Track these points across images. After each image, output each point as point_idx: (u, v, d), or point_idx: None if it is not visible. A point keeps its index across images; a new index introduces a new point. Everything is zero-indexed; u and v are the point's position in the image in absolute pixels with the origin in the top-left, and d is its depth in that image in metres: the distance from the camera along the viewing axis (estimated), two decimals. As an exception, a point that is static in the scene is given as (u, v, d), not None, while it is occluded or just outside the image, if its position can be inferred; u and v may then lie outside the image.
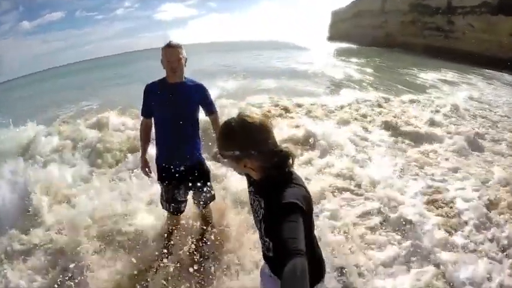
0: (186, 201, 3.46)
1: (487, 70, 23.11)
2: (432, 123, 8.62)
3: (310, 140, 6.73)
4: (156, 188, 3.83)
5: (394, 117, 8.84)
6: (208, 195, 3.38)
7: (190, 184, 3.29)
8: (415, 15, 44.58)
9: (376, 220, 4.40)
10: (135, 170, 5.04)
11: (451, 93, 13.79)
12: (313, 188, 4.65)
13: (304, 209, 1.46)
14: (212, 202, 3.60)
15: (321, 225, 3.87)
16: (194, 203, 3.55)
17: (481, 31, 32.88)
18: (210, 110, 3.39)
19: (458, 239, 4.14)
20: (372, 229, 4.26)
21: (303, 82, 15.42)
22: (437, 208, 4.82)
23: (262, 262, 2.02)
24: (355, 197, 5.01)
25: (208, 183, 3.42)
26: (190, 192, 3.45)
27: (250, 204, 1.85)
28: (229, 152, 1.65)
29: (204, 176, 3.39)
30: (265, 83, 14.66)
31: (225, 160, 1.75)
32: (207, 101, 3.33)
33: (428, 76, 18.98)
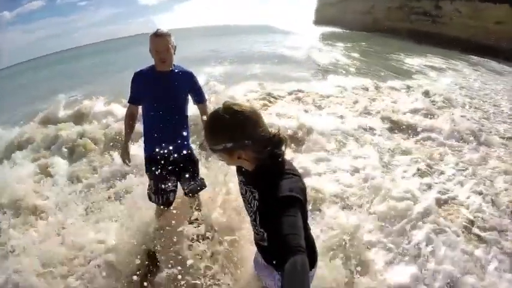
0: (175, 191, 3.38)
1: (472, 56, 23.18)
2: (427, 112, 8.34)
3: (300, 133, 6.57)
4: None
5: (387, 109, 8.58)
6: (197, 183, 3.39)
7: (179, 174, 3.26)
8: (402, 0, 44.39)
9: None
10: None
11: (438, 80, 13.84)
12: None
13: (302, 201, 1.44)
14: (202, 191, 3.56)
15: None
16: (184, 193, 3.51)
17: (467, 17, 32.92)
18: (200, 98, 3.39)
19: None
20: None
21: (290, 68, 15.17)
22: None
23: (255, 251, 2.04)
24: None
25: (197, 173, 3.44)
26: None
27: (242, 194, 1.82)
28: (220, 146, 1.57)
29: (193, 165, 3.38)
30: (253, 69, 14.56)
31: (215, 153, 1.66)
32: (196, 89, 3.33)
33: (414, 61, 18.94)
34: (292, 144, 6.24)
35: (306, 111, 8.13)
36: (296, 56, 19.62)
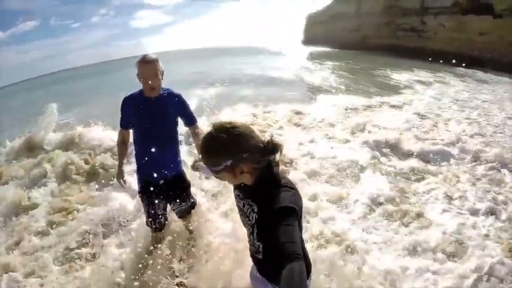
0: (165, 214, 3.42)
1: (459, 68, 23.48)
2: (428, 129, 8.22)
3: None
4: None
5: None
6: (188, 204, 3.40)
7: (170, 197, 3.26)
8: (389, 17, 45.18)
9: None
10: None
11: (426, 94, 13.99)
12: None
13: (298, 213, 1.48)
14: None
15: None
16: (176, 214, 3.51)
17: (452, 30, 33.58)
18: (190, 121, 3.35)
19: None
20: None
21: (281, 90, 15.27)
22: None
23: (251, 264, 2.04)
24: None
25: (189, 195, 3.42)
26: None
27: (240, 208, 1.83)
28: (221, 166, 1.59)
29: (184, 188, 3.36)
30: (244, 92, 14.71)
31: (218, 175, 1.67)
32: (186, 112, 3.29)
33: (402, 77, 19.20)
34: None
35: (299, 143, 7.56)
36: (285, 77, 19.74)
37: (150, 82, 2.92)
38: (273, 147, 1.63)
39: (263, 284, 1.88)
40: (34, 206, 5.19)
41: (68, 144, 7.46)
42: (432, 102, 11.63)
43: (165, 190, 3.14)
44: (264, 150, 1.61)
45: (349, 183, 5.64)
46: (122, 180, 3.35)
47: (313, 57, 39.81)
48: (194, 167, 2.67)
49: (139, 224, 3.86)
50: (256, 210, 1.66)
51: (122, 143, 3.32)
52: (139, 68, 2.94)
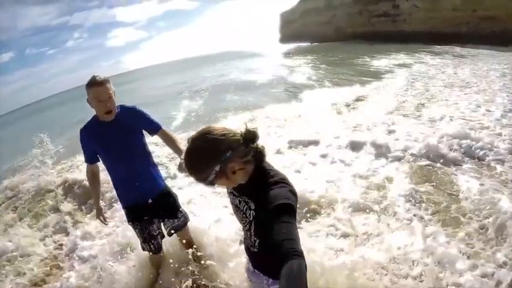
0: (161, 232, 3.19)
1: (437, 46, 23.59)
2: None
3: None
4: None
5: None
6: (181, 220, 3.19)
7: (159, 214, 3.08)
8: (361, 5, 45.57)
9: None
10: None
11: (406, 76, 13.88)
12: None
13: (295, 209, 1.45)
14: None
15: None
16: (168, 233, 3.25)
17: (425, 10, 33.91)
18: (154, 128, 3.06)
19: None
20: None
21: (264, 92, 15.23)
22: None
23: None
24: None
25: (178, 208, 3.22)
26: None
27: (235, 205, 1.80)
28: (211, 174, 1.54)
29: (172, 202, 3.17)
30: (229, 98, 14.84)
31: (214, 183, 1.60)
32: (148, 123, 3.02)
33: (381, 62, 19.13)
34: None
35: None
36: (265, 79, 19.73)
37: (107, 105, 2.69)
38: (251, 136, 1.60)
39: (258, 278, 1.89)
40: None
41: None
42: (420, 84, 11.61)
43: (153, 209, 2.99)
44: (244, 141, 1.59)
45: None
46: (102, 218, 3.10)
47: (290, 54, 39.67)
48: (181, 168, 2.47)
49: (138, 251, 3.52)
50: (253, 207, 1.64)
51: (93, 178, 3.06)
52: (92, 92, 2.67)
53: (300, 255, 1.17)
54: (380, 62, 19.27)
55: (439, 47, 23.23)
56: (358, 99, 10.46)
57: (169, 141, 3.05)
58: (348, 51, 29.79)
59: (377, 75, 15.04)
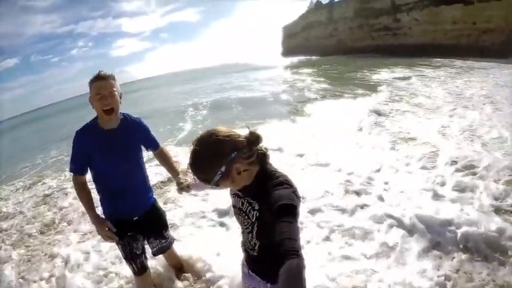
0: (145, 252, 2.91)
1: (436, 59, 23.53)
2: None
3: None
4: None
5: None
6: (168, 240, 3.08)
7: (146, 233, 2.90)
8: (361, 19, 46.08)
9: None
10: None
11: (406, 89, 13.80)
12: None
13: (298, 210, 1.44)
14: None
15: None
16: (153, 254, 3.08)
17: (425, 23, 34.15)
18: (154, 146, 2.90)
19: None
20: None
21: (269, 105, 15.19)
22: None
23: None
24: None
25: (166, 227, 3.08)
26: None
27: (238, 207, 1.78)
28: (217, 175, 1.52)
29: (161, 220, 3.03)
30: (233, 109, 15.01)
31: (219, 186, 1.60)
32: (149, 138, 2.85)
33: (380, 76, 19.08)
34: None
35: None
36: (272, 91, 19.73)
37: (108, 100, 2.40)
38: (255, 137, 1.59)
39: (255, 282, 1.87)
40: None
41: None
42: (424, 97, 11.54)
43: (139, 226, 2.78)
44: (249, 143, 1.58)
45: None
46: (108, 231, 2.64)
47: (291, 67, 39.93)
48: (183, 189, 2.43)
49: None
50: (257, 208, 1.63)
51: (84, 190, 2.66)
52: (93, 88, 2.42)
53: (299, 255, 1.17)
54: (380, 76, 19.20)
55: (438, 59, 23.30)
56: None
57: (166, 161, 2.93)
58: (348, 65, 29.86)
59: (375, 88, 15.00)
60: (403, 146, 6.82)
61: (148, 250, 3.01)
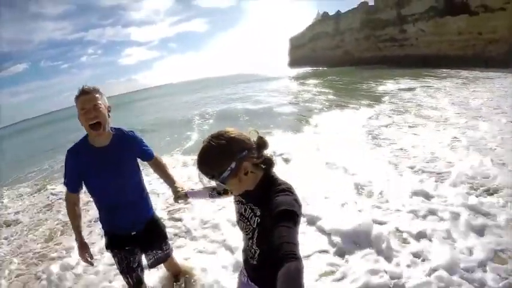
0: (141, 267, 2.91)
1: (442, 69, 23.58)
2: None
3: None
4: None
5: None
6: (165, 252, 3.05)
7: (144, 246, 2.88)
8: (368, 30, 46.26)
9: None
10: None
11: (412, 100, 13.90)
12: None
13: (299, 216, 1.45)
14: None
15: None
16: (149, 265, 3.03)
17: (431, 34, 34.20)
18: (149, 156, 2.86)
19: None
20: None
21: (277, 116, 15.16)
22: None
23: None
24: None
25: (165, 239, 3.05)
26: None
27: (240, 213, 1.80)
28: (226, 171, 1.56)
29: (161, 233, 3.01)
30: (241, 119, 15.04)
31: (226, 182, 1.61)
32: (144, 150, 2.81)
33: (387, 87, 19.12)
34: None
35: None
36: (278, 101, 19.90)
37: (92, 113, 2.33)
38: (263, 142, 1.67)
39: None
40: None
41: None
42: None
43: (137, 240, 2.77)
44: (257, 146, 1.65)
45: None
46: (87, 255, 2.70)
47: (298, 78, 40.14)
48: (180, 197, 2.48)
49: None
50: (258, 214, 1.65)
51: (74, 209, 2.65)
52: (77, 104, 2.37)
53: (297, 258, 1.17)
54: (386, 87, 19.23)
55: (445, 70, 23.24)
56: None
57: (161, 169, 2.90)
58: (355, 76, 29.92)
59: (380, 99, 15.07)
60: (409, 160, 6.57)
61: (145, 261, 2.99)
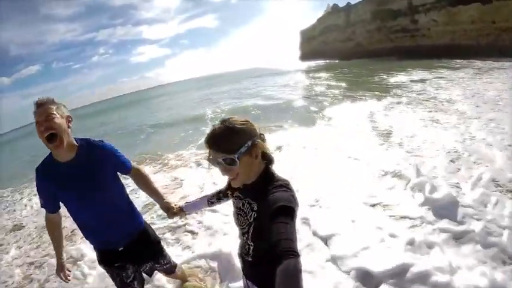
0: (138, 279, 2.73)
1: (456, 60, 23.31)
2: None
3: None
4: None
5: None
6: (166, 266, 2.89)
7: (140, 259, 2.70)
8: (379, 21, 45.84)
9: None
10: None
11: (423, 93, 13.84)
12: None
13: (295, 212, 1.46)
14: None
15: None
16: (144, 271, 2.86)
17: (444, 24, 33.84)
18: (125, 167, 2.58)
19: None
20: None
21: (294, 111, 14.96)
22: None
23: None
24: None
25: (161, 253, 2.86)
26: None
27: (239, 208, 1.82)
28: (244, 146, 1.59)
29: (152, 245, 2.76)
30: (253, 114, 14.96)
31: (239, 161, 1.58)
32: (118, 161, 2.51)
33: (398, 79, 19.01)
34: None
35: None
36: (289, 95, 19.94)
37: (43, 125, 2.12)
38: (264, 137, 1.72)
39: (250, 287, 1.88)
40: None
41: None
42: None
43: (129, 254, 2.57)
44: (261, 139, 1.68)
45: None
46: (62, 275, 2.59)
47: (309, 71, 40.04)
48: (175, 214, 2.44)
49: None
50: (255, 209, 1.67)
51: (53, 229, 2.54)
52: (35, 118, 2.18)
53: (296, 255, 1.18)
54: (397, 78, 19.12)
55: (458, 61, 22.98)
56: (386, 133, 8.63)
57: (144, 183, 2.70)
58: (367, 68, 29.68)
59: (393, 91, 15.00)
60: (429, 160, 6.04)
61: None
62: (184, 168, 8.11)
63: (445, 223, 3.91)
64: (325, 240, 3.94)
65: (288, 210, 1.39)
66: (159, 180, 7.24)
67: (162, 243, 2.96)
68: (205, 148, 1.66)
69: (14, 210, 7.97)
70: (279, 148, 8.31)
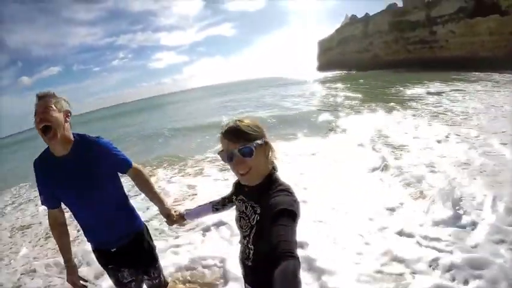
0: (135, 281, 2.59)
1: (473, 73, 23.12)
2: None
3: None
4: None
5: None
6: (156, 281, 2.65)
7: (134, 264, 2.55)
8: (397, 33, 45.88)
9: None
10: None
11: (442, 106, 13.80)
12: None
13: (298, 216, 1.47)
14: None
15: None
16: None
17: (462, 35, 33.74)
18: (123, 166, 2.46)
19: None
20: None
21: (300, 120, 15.22)
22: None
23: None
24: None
25: (155, 263, 2.66)
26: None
27: (242, 211, 1.83)
28: (261, 139, 1.64)
29: (147, 252, 2.59)
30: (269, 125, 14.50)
31: (254, 153, 1.61)
32: (115, 159, 2.40)
33: (415, 91, 18.95)
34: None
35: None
36: (306, 105, 20.18)
37: (38, 118, 2.09)
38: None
39: None
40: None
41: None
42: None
43: (119, 258, 2.46)
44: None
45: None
46: (76, 280, 2.42)
47: (326, 82, 39.92)
48: (176, 221, 2.40)
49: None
50: (258, 211, 1.68)
51: (57, 227, 2.43)
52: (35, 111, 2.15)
53: (295, 256, 1.17)
54: (414, 91, 19.05)
55: (475, 73, 22.78)
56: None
57: (145, 186, 2.56)
58: (384, 80, 29.60)
59: (411, 104, 14.94)
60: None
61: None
62: (200, 176, 8.21)
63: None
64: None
65: (289, 214, 1.40)
66: (174, 186, 7.54)
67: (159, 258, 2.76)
68: (219, 143, 1.68)
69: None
70: (288, 155, 8.34)
